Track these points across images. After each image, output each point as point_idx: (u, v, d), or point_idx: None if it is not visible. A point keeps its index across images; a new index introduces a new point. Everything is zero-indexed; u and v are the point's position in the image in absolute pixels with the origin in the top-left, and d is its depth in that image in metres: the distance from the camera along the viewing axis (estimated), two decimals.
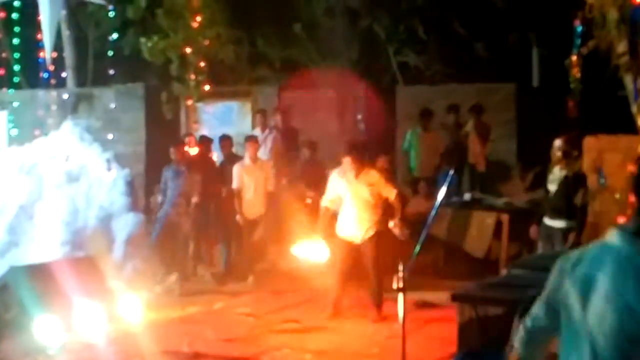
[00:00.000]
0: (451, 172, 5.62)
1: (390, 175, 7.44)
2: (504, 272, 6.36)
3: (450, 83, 9.83)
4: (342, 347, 5.77)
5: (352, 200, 6.48)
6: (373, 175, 6.49)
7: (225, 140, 8.69)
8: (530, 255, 6.62)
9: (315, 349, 5.66)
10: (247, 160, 8.23)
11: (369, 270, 6.45)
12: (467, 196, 8.13)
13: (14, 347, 5.77)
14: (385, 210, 6.56)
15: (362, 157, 6.49)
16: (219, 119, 10.38)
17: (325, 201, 6.60)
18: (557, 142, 6.41)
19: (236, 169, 8.09)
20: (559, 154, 6.37)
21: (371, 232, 6.44)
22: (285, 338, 5.99)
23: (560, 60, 8.74)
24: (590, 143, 7.50)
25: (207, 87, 9.64)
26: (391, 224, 6.34)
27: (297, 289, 7.52)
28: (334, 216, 6.63)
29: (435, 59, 10.13)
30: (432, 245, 7.45)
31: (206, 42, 9.38)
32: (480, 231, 7.77)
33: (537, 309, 2.01)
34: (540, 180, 7.51)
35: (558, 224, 6.39)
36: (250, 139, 8.42)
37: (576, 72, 8.46)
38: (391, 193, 6.44)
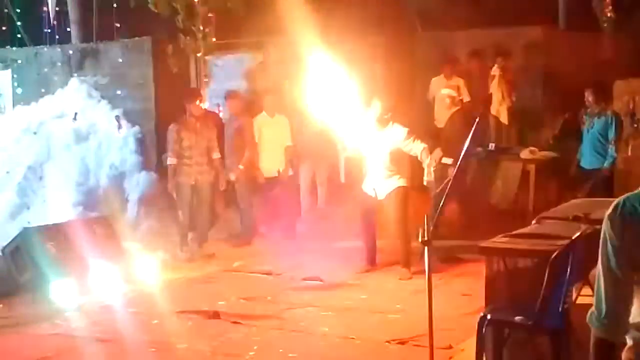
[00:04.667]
0: (476, 120, 5.32)
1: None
2: (533, 223, 6.17)
3: (472, 28, 9.43)
4: (366, 303, 5.65)
5: (371, 155, 6.23)
6: (394, 130, 6.19)
7: (233, 95, 8.23)
8: (560, 205, 6.40)
9: (338, 306, 5.55)
10: (264, 113, 7.97)
11: (393, 227, 6.24)
12: (491, 146, 7.85)
13: (29, 310, 5.67)
14: (413, 164, 6.27)
15: (389, 111, 6.17)
16: (230, 72, 10.08)
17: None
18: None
19: (254, 124, 7.86)
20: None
21: (393, 187, 6.19)
22: (307, 295, 5.87)
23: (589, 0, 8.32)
24: (620, 87, 7.20)
25: (214, 40, 9.30)
26: (427, 174, 5.88)
27: (318, 247, 7.35)
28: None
29: (455, 3, 9.67)
30: (457, 197, 7.23)
31: None
32: (507, 182, 7.55)
33: (614, 273, 1.81)
34: (570, 127, 7.28)
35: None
36: (269, 91, 8.13)
37: (609, 12, 8.08)
38: (418, 148, 6.04)
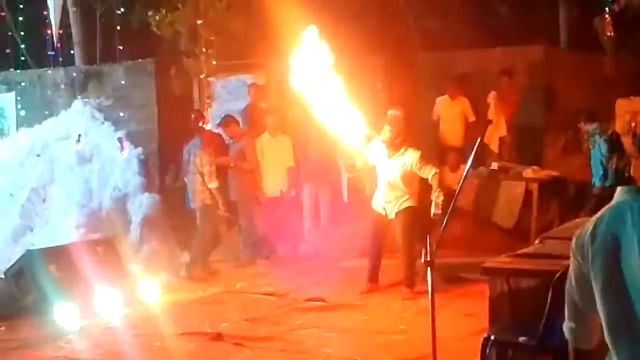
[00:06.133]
0: (478, 140, 5.33)
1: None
2: (536, 242, 6.17)
3: (473, 48, 9.46)
4: (369, 325, 5.61)
5: (382, 175, 6.26)
6: (407, 156, 6.19)
7: (229, 121, 8.14)
8: (563, 224, 6.39)
9: (340, 328, 5.52)
10: (266, 134, 7.99)
11: (399, 247, 6.23)
12: (494, 165, 7.84)
13: (32, 332, 5.65)
14: (423, 185, 6.27)
15: (400, 135, 6.17)
16: (233, 93, 10.13)
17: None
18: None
19: (256, 144, 7.88)
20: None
21: (402, 207, 6.20)
22: (309, 316, 5.84)
23: (589, 19, 8.37)
24: (622, 106, 7.22)
25: (217, 61, 9.35)
26: (435, 207, 5.87)
27: (321, 267, 7.32)
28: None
29: (457, 23, 9.71)
30: (460, 217, 7.22)
31: (216, 14, 9.07)
32: (509, 201, 7.52)
33: (571, 294, 1.89)
34: (572, 146, 7.30)
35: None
36: (272, 112, 8.16)
37: (609, 31, 8.13)
38: (429, 173, 6.09)
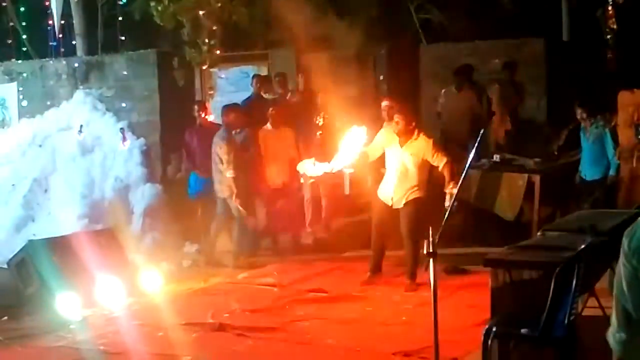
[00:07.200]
0: (481, 132, 5.33)
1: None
2: (538, 234, 6.19)
3: (475, 40, 9.43)
4: (371, 316, 5.63)
5: (393, 164, 6.24)
6: (420, 142, 6.18)
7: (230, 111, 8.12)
8: (565, 217, 6.40)
9: (342, 319, 5.53)
10: (269, 126, 7.98)
11: (404, 237, 6.23)
12: (496, 157, 7.83)
13: (35, 322, 5.67)
14: (431, 176, 6.27)
15: (412, 121, 6.18)
16: (235, 84, 10.13)
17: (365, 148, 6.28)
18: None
19: (259, 136, 7.88)
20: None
21: (410, 198, 6.20)
22: (311, 308, 5.86)
23: (592, 12, 8.34)
24: (625, 98, 7.21)
25: (218, 52, 9.34)
26: (449, 199, 5.85)
27: (323, 258, 7.34)
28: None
29: (459, 15, 9.69)
30: (461, 209, 7.23)
31: (219, 4, 9.05)
32: (511, 193, 7.51)
33: (622, 301, 1.77)
34: (574, 138, 7.31)
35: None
36: (274, 103, 8.14)
37: (611, 24, 8.11)
38: (441, 161, 6.09)
